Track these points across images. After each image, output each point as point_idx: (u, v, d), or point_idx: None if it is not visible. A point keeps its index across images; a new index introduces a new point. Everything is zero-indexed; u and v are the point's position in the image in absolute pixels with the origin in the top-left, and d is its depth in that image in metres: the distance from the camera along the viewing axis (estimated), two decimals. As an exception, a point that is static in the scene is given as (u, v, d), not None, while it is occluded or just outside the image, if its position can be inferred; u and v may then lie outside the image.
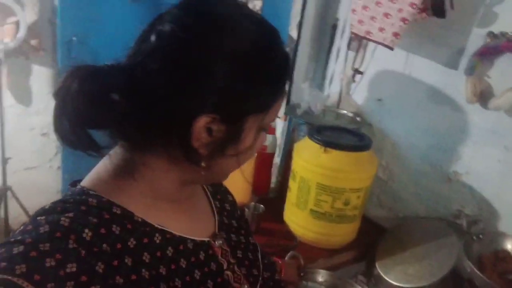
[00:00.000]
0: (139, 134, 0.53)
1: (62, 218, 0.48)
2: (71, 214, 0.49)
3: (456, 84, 1.31)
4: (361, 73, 1.56)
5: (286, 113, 1.68)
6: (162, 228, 0.55)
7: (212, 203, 0.69)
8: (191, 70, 0.50)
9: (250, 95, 0.52)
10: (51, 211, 0.50)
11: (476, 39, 1.26)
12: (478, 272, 0.95)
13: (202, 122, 0.50)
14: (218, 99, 0.50)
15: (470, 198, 1.33)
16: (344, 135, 1.37)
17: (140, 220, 0.54)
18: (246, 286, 0.62)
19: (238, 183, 1.48)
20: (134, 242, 0.51)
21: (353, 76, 1.58)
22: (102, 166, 0.57)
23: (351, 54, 1.60)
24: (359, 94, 1.63)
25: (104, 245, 0.48)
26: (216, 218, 0.66)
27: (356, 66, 1.57)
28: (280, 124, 1.72)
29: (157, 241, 0.54)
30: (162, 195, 0.57)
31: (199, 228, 0.62)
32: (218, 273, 0.59)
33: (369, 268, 1.35)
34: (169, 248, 0.55)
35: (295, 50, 1.60)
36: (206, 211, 0.67)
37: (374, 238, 1.43)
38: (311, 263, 1.29)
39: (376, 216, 1.60)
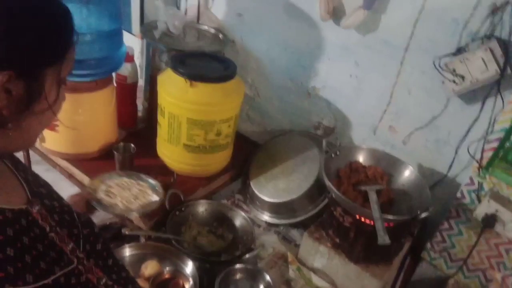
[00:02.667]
0: None
1: None
2: None
3: (311, 0, 1.32)
4: (218, -13, 1.46)
5: (142, 34, 1.53)
6: None
7: (17, 174, 0.70)
8: None
9: (39, 47, 0.55)
10: None
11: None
12: (334, 189, 1.09)
13: None
14: (6, 55, 0.52)
15: (327, 111, 1.45)
16: (209, 63, 1.32)
17: None
18: (71, 244, 0.67)
19: (102, 121, 1.38)
20: None
21: (210, -9, 1.47)
22: None
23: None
24: (219, 9, 1.55)
25: None
26: (26, 187, 0.68)
27: (213, -21, 1.45)
28: (137, 46, 1.57)
29: None
30: None
31: (13, 198, 0.63)
32: (43, 237, 0.63)
33: (245, 187, 1.44)
34: None
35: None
36: (14, 183, 0.68)
37: (247, 155, 1.51)
38: (191, 194, 1.33)
39: (247, 131, 1.67)
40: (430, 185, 1.25)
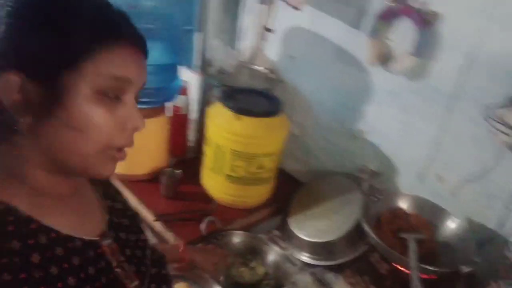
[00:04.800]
0: None
1: None
2: None
3: (359, 44, 1.34)
4: (271, 30, 1.53)
5: (199, 71, 1.63)
6: (48, 226, 0.55)
7: (103, 202, 0.69)
8: None
9: (48, 48, 0.49)
10: None
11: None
12: (372, 233, 1.06)
13: (6, 79, 0.49)
14: (14, 54, 0.49)
15: (372, 154, 1.43)
16: (257, 98, 1.37)
17: (25, 216, 0.53)
18: (136, 282, 0.65)
19: (153, 147, 1.46)
20: (19, 244, 0.50)
21: (264, 34, 1.54)
22: None
23: (262, 7, 1.54)
24: (272, 50, 1.62)
25: None
26: (107, 217, 0.67)
27: (267, 23, 1.53)
28: (194, 81, 1.67)
29: (43, 242, 0.53)
30: (41, 189, 0.56)
31: (88, 227, 0.62)
32: (108, 271, 0.61)
33: (283, 223, 1.43)
34: (58, 247, 0.55)
35: (205, 2, 1.51)
36: (95, 210, 0.68)
37: (289, 192, 1.51)
38: (229, 224, 1.35)
39: (291, 169, 1.68)
40: (479, 242, 1.17)
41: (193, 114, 1.64)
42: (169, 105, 1.49)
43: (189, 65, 1.74)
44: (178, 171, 1.42)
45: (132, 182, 1.42)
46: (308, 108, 1.58)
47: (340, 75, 1.45)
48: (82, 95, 0.51)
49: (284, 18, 1.52)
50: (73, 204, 0.62)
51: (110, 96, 0.54)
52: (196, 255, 1.08)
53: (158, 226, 1.28)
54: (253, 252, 1.29)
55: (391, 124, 1.36)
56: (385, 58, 1.30)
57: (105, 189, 0.73)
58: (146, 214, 1.32)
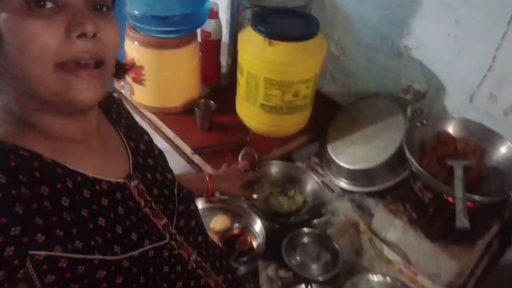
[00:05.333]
0: None
1: None
2: None
3: None
4: None
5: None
6: (74, 169, 0.56)
7: (126, 144, 0.69)
8: None
9: None
10: None
11: None
12: (415, 161, 1.00)
13: None
14: None
15: (419, 73, 1.32)
16: (291, 19, 1.26)
17: (50, 161, 0.54)
18: (165, 219, 0.67)
19: (186, 77, 1.42)
20: (48, 189, 0.52)
21: None
22: None
23: None
24: (307, -40, 1.45)
25: (23, 188, 0.49)
26: (131, 159, 0.68)
27: None
28: (223, 1, 1.56)
29: (70, 185, 0.54)
30: (54, 134, 0.57)
31: (114, 170, 0.63)
32: (137, 210, 0.63)
33: (322, 150, 1.40)
34: (85, 190, 0.56)
35: None
36: (120, 153, 0.68)
37: (327, 116, 1.46)
38: (266, 154, 1.33)
39: (329, 91, 1.60)
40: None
41: (224, 39, 1.56)
42: (199, 31, 1.41)
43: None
44: (212, 102, 1.38)
45: (168, 115, 1.42)
46: (348, 24, 1.45)
47: (384, -15, 1.29)
48: (13, 9, 0.48)
49: None
50: (96, 149, 0.62)
51: (44, 5, 0.49)
52: (222, 183, 1.10)
53: (197, 158, 1.30)
54: (291, 181, 1.29)
55: (441, 40, 1.22)
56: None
57: (129, 131, 0.73)
58: (184, 147, 1.33)
